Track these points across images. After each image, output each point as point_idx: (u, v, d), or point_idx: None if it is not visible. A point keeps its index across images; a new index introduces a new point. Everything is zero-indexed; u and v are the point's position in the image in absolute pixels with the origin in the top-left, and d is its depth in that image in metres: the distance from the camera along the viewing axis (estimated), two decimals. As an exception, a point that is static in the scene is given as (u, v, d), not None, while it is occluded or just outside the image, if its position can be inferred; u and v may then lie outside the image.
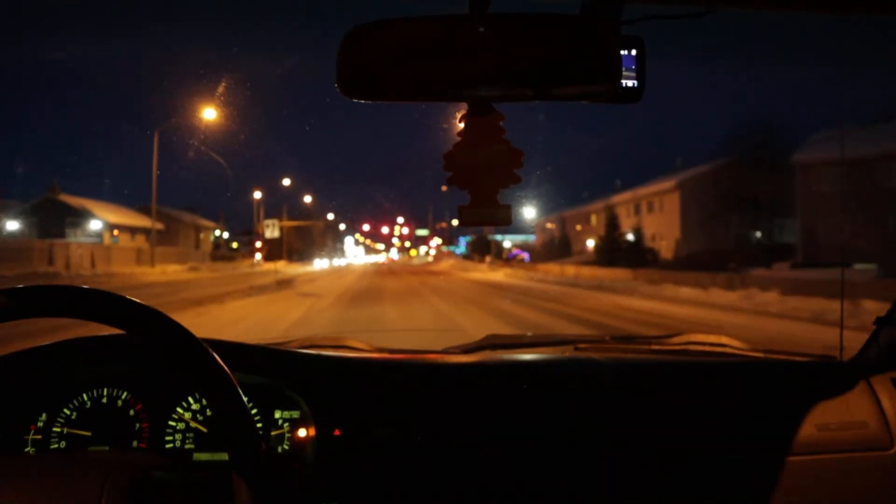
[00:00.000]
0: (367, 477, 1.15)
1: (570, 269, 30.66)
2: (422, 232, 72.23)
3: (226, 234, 66.20)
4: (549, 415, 1.20)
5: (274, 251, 54.69)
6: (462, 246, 71.58)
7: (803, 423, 1.24)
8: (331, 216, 56.08)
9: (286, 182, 51.73)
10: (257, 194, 51.30)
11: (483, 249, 55.81)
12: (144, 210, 46.19)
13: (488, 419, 1.19)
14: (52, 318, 0.82)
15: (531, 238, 58.09)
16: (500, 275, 29.99)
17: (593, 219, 46.13)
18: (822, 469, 1.22)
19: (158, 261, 34.73)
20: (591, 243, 45.20)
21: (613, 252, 33.52)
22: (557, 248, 46.01)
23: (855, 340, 1.47)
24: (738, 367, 1.40)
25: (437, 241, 72.36)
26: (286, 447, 1.21)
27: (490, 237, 52.82)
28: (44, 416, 1.21)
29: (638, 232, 34.96)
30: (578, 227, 48.50)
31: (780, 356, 1.53)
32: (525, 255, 50.78)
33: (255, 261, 48.16)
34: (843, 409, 1.27)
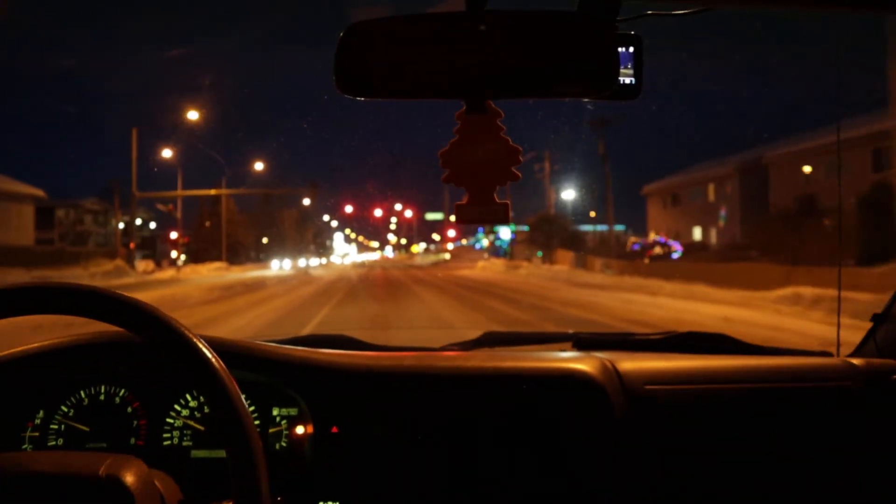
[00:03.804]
0: (366, 474, 1.15)
1: None
2: (433, 216, 47.76)
3: (153, 224, 49.78)
4: (549, 414, 1.19)
5: (208, 247, 37.46)
6: (481, 239, 52.37)
7: (800, 421, 1.24)
8: (307, 201, 39.60)
9: (193, 116, 25.99)
10: (166, 152, 29.71)
11: (548, 241, 30.82)
12: None
13: (487, 417, 1.19)
14: (51, 315, 0.81)
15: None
16: None
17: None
18: (819, 466, 1.22)
19: None
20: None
21: None
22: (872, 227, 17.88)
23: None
24: (736, 362, 1.37)
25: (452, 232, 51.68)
26: (284, 444, 1.21)
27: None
28: (41, 413, 1.20)
29: None
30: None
31: (778, 353, 1.50)
32: (676, 247, 25.12)
33: (116, 264, 27.30)
34: (840, 406, 1.26)
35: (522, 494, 1.15)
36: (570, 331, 1.65)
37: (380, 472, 1.14)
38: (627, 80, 0.88)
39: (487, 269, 30.14)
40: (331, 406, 1.18)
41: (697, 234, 28.60)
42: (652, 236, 26.00)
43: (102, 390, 1.22)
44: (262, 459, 0.80)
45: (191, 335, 0.82)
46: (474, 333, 1.62)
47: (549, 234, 31.58)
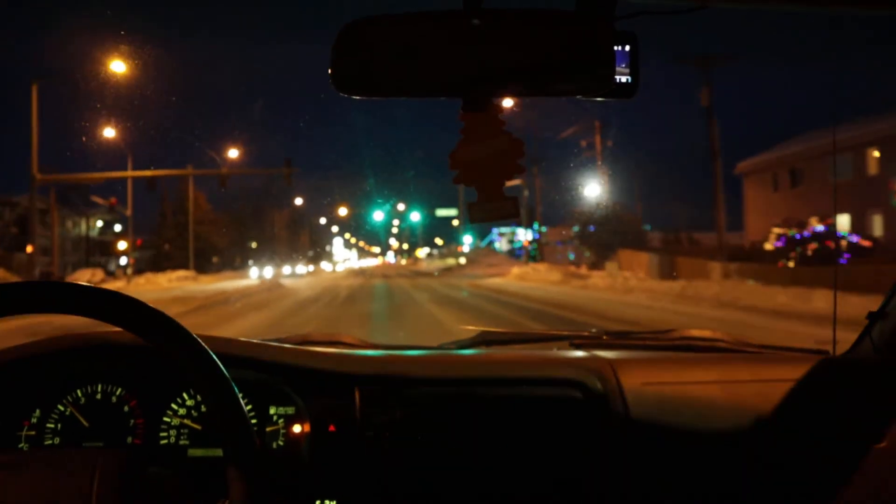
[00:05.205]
0: (363, 473, 1.16)
1: None
2: (446, 212, 40.83)
3: (118, 227, 40.82)
4: (547, 413, 1.20)
5: (172, 252, 31.83)
6: (496, 239, 47.76)
7: (796, 418, 1.24)
8: (299, 201, 38.63)
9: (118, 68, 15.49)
10: (109, 131, 22.44)
11: (610, 240, 22.70)
12: None
13: (485, 417, 1.19)
14: (49, 314, 0.81)
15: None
16: None
17: None
18: (814, 463, 1.22)
19: None
20: None
21: None
22: None
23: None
24: (734, 361, 1.38)
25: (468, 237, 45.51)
26: (281, 443, 1.21)
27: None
28: (38, 411, 1.20)
29: None
30: None
31: (774, 351, 1.51)
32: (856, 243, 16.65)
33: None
34: (836, 403, 1.26)
35: (521, 494, 1.16)
36: (567, 332, 1.67)
37: (377, 471, 1.15)
38: (624, 79, 0.87)
39: (530, 277, 21.71)
40: (328, 405, 1.18)
41: (845, 223, 20.07)
42: (814, 223, 17.40)
43: (99, 389, 1.22)
44: (259, 458, 0.80)
45: (189, 334, 0.82)
46: (471, 332, 1.62)
47: (612, 230, 23.23)
